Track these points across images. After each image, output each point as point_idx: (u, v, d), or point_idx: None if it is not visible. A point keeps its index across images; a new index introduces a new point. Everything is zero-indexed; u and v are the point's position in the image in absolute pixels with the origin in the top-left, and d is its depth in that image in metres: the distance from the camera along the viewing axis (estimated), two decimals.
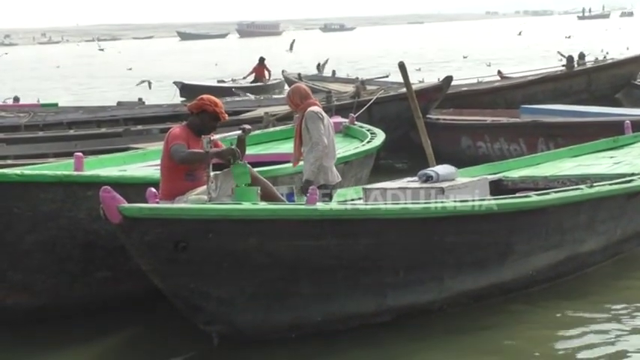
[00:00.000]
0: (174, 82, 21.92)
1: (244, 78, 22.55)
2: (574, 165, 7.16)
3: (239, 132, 5.47)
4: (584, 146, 7.81)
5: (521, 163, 7.42)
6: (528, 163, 7.42)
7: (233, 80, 23.47)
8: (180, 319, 4.85)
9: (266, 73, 22.08)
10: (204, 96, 5.49)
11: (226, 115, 5.50)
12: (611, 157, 7.34)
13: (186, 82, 21.87)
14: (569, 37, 43.91)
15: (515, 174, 6.90)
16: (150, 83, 24.84)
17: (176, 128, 5.40)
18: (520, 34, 46.00)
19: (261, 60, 22.44)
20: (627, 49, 24.20)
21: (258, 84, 21.94)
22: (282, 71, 19.46)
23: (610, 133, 8.10)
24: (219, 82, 23.04)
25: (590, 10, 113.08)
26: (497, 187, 6.46)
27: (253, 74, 22.48)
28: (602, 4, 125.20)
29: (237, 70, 28.52)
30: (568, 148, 7.90)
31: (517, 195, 5.69)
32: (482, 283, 5.26)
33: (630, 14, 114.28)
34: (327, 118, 5.92)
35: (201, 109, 5.38)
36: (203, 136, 5.23)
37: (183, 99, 19.02)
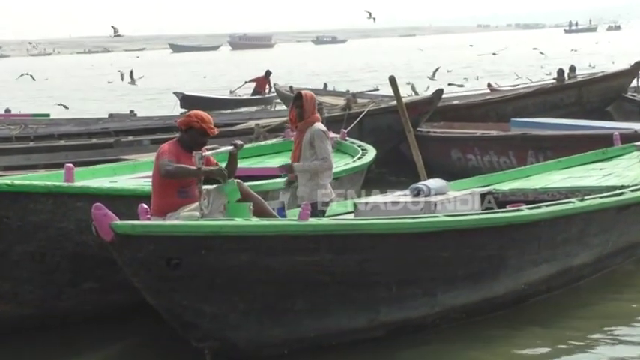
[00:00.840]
0: (175, 93, 21.91)
1: (245, 82, 22.66)
2: (564, 177, 7.19)
3: (230, 148, 5.47)
4: (574, 158, 7.86)
5: (511, 176, 7.46)
6: (518, 176, 7.46)
7: (230, 92, 23.59)
8: (170, 332, 4.82)
9: (267, 87, 22.22)
10: (192, 112, 5.46)
11: (215, 130, 5.44)
12: (601, 170, 7.38)
13: (186, 92, 21.90)
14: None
15: (506, 187, 6.93)
16: (32, 76, 26.80)
17: (166, 145, 5.36)
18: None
19: (267, 73, 22.53)
20: (613, 62, 24.26)
21: (257, 96, 22.14)
22: (274, 84, 19.53)
23: (599, 145, 8.15)
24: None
25: (576, 24, 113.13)
26: (488, 200, 6.48)
27: (254, 84, 22.63)
28: (589, 17, 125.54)
29: (226, 82, 28.52)
30: (557, 160, 7.95)
31: (508, 209, 5.71)
32: (475, 297, 5.26)
33: (617, 28, 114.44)
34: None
35: (188, 126, 5.35)
36: (194, 152, 5.22)
37: (184, 110, 19.09)
